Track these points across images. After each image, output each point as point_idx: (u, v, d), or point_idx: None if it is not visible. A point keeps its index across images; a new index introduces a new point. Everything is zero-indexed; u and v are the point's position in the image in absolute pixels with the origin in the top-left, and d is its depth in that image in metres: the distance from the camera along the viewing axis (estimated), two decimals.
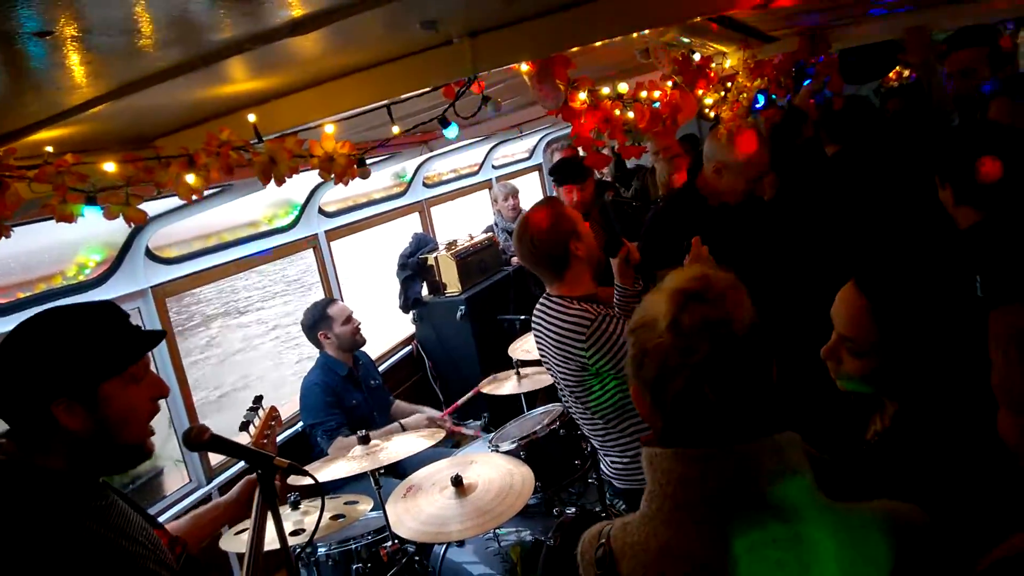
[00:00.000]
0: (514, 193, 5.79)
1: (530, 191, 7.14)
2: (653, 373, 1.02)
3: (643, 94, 2.66)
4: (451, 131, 1.91)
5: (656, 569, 1.02)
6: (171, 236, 3.68)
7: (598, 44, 2.17)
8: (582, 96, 2.23)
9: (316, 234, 4.53)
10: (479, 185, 6.44)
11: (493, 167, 6.54)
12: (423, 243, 5.30)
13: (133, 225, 1.86)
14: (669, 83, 2.93)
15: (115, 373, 1.39)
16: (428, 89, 1.92)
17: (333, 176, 1.91)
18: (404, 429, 3.74)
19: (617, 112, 2.45)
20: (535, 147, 7.16)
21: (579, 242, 2.38)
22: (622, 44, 2.74)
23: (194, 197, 1.86)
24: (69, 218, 1.76)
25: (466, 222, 6.23)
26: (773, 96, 4.85)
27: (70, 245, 3.30)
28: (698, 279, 1.04)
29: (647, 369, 1.03)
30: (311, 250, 4.55)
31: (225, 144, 1.78)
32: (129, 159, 1.79)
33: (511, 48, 1.82)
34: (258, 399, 2.10)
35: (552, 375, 2.63)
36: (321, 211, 4.58)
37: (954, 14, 4.02)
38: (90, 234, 3.31)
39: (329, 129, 1.88)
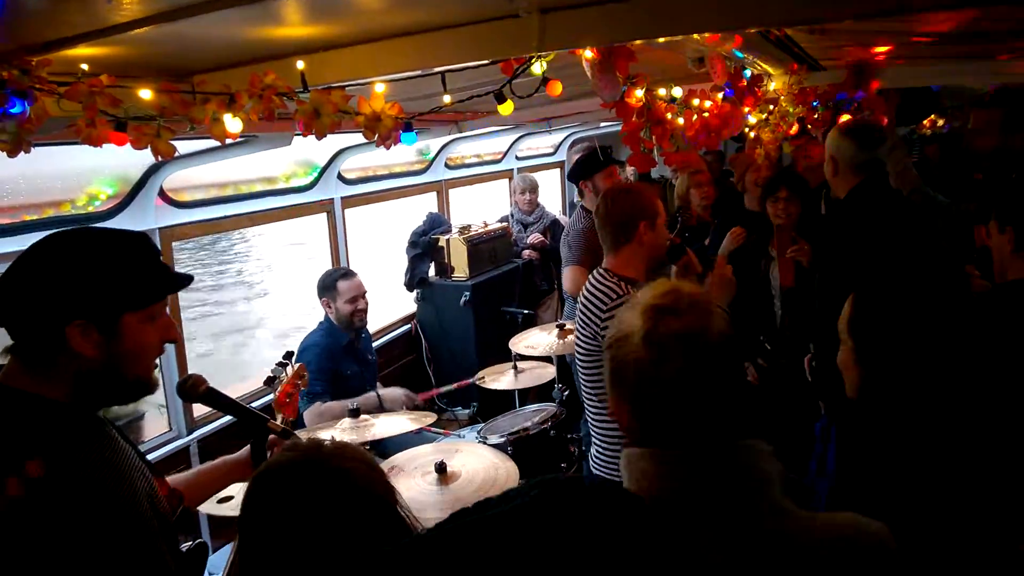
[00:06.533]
0: (533, 188, 5.70)
1: (550, 187, 7.05)
2: (631, 385, 1.06)
3: (695, 102, 2.58)
4: (506, 108, 1.84)
5: None
6: (187, 180, 3.60)
7: (661, 41, 2.10)
8: (638, 93, 2.16)
9: (332, 199, 4.44)
10: (500, 174, 6.35)
11: (517, 158, 6.44)
12: (437, 223, 5.21)
13: (160, 159, 1.76)
14: (720, 95, 2.86)
15: (140, 306, 1.35)
16: (486, 62, 1.83)
17: (377, 137, 1.83)
18: (380, 400, 3.62)
19: (669, 116, 2.38)
20: (560, 144, 7.07)
21: (650, 229, 2.44)
22: (679, 49, 2.66)
23: (228, 141, 1.78)
24: (96, 141, 1.68)
25: (482, 209, 6.14)
26: (808, 126, 4.81)
27: (84, 174, 3.20)
28: (668, 293, 1.08)
29: (625, 381, 1.07)
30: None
31: (269, 88, 1.69)
32: (166, 89, 1.71)
33: (579, 30, 1.73)
34: (288, 355, 2.04)
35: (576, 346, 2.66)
36: (340, 177, 4.49)
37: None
38: (105, 165, 3.22)
39: (380, 88, 1.80)
